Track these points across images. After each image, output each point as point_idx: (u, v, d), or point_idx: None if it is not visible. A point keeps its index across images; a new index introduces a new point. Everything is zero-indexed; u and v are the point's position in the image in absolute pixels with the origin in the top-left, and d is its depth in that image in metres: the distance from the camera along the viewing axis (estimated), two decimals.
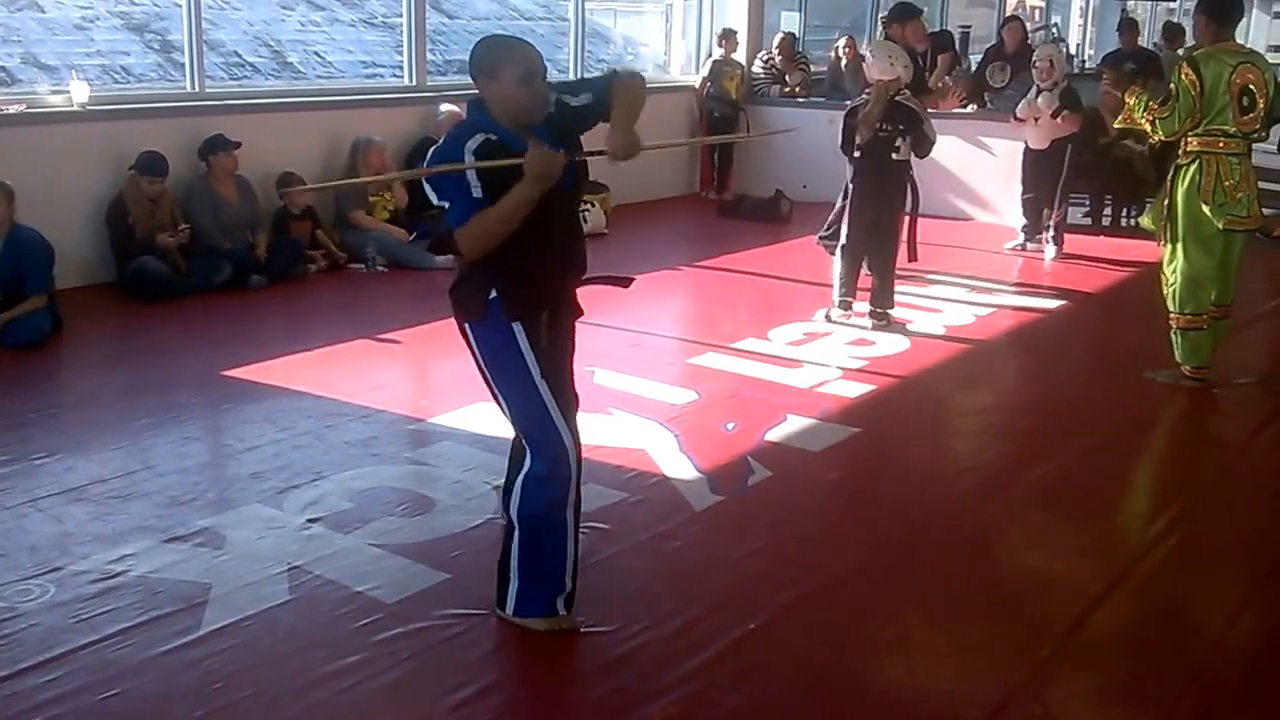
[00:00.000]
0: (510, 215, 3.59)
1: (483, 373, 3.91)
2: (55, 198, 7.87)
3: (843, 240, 7.87)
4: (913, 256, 7.94)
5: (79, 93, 8.36)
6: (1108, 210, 11.83)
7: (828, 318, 7.93)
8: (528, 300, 3.82)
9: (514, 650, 3.94)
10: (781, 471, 5.45)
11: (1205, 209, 6.37)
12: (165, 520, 4.71)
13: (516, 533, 3.90)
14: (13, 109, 8.09)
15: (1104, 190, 11.71)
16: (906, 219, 7.84)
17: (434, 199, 3.70)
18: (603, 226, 10.60)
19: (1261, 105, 6.36)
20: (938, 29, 14.56)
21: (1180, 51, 11.61)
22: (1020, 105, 10.12)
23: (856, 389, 6.61)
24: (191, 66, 9.13)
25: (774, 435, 5.86)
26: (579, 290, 4.03)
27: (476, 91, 3.73)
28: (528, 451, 3.85)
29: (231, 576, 4.24)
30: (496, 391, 3.90)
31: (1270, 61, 6.69)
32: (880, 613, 4.28)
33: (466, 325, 3.87)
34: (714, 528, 4.89)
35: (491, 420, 5.76)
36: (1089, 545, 4.88)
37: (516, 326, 3.79)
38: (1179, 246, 6.55)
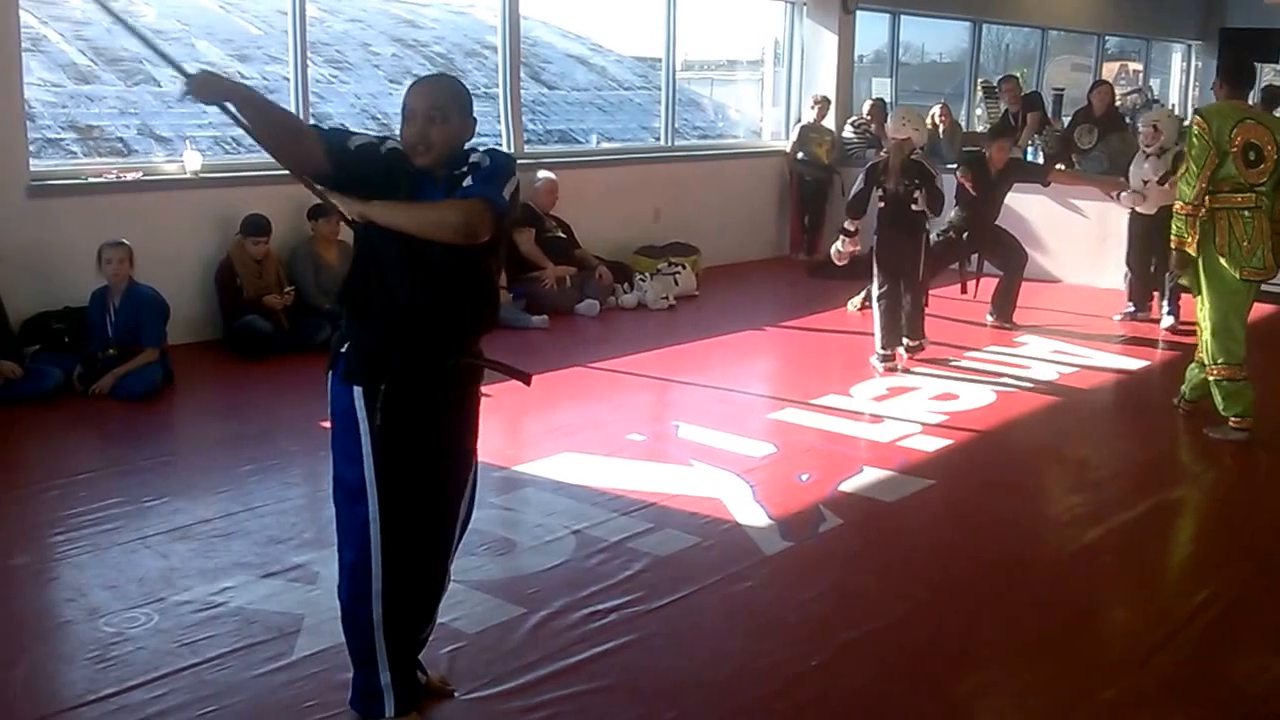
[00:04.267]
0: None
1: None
2: (168, 259, 8.30)
3: (875, 290, 8.33)
4: (964, 289, 9.45)
5: (192, 162, 8.82)
6: None
7: (875, 366, 8.30)
8: (383, 366, 3.51)
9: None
10: (853, 520, 5.60)
11: (1223, 261, 6.59)
12: (263, 557, 5.01)
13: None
14: (130, 176, 8.56)
15: None
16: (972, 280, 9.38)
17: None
18: (694, 288, 10.83)
19: (1269, 160, 6.56)
20: (1030, 90, 14.68)
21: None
22: (1131, 171, 9.71)
23: (935, 443, 6.73)
24: None
25: (848, 486, 6.01)
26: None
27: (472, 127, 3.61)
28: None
29: (323, 608, 4.45)
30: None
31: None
32: (940, 652, 4.39)
33: (328, 373, 3.57)
34: (783, 571, 5.06)
35: (573, 469, 6.05)
36: (1151, 595, 4.97)
37: (357, 391, 3.49)
38: (1204, 299, 6.76)
